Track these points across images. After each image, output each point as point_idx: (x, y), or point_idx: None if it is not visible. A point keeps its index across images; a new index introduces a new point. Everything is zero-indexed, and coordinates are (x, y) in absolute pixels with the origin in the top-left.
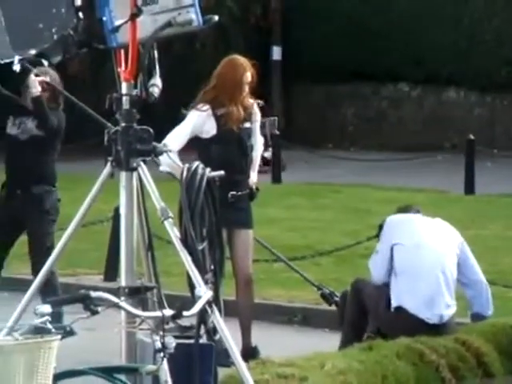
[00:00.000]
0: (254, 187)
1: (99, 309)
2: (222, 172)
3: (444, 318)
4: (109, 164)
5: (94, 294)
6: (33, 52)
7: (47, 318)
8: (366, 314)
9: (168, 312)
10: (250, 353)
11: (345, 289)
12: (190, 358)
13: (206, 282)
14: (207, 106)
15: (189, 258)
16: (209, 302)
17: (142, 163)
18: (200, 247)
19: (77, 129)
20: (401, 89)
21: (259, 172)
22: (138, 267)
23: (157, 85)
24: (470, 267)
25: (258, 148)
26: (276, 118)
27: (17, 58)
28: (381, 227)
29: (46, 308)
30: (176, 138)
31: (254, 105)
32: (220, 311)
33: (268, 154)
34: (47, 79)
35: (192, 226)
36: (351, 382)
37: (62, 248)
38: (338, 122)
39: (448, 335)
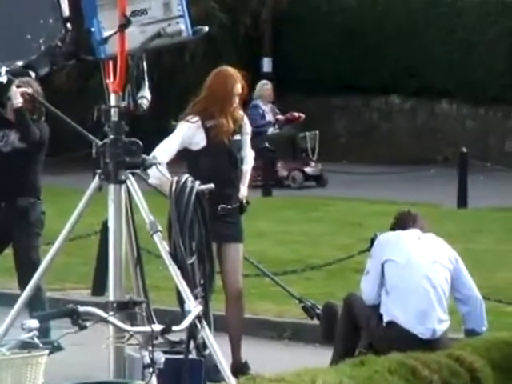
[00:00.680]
0: (244, 201)
1: (87, 323)
2: (211, 185)
3: (437, 332)
4: (97, 177)
5: (81, 308)
6: (20, 63)
7: (35, 332)
8: (358, 329)
9: (157, 327)
10: (240, 368)
11: (327, 300)
12: (180, 374)
13: (195, 297)
14: (197, 118)
15: (178, 273)
16: (198, 317)
17: (130, 176)
18: (189, 261)
19: (64, 141)
20: (393, 101)
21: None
22: (127, 281)
23: (146, 97)
24: (464, 283)
25: (249, 161)
26: (317, 132)
27: (3, 70)
28: (372, 241)
29: (34, 323)
30: (165, 150)
31: (245, 117)
32: (210, 326)
33: (312, 170)
34: (29, 90)
35: (181, 240)
36: None
37: (49, 262)
38: (330, 134)
39: (441, 351)
